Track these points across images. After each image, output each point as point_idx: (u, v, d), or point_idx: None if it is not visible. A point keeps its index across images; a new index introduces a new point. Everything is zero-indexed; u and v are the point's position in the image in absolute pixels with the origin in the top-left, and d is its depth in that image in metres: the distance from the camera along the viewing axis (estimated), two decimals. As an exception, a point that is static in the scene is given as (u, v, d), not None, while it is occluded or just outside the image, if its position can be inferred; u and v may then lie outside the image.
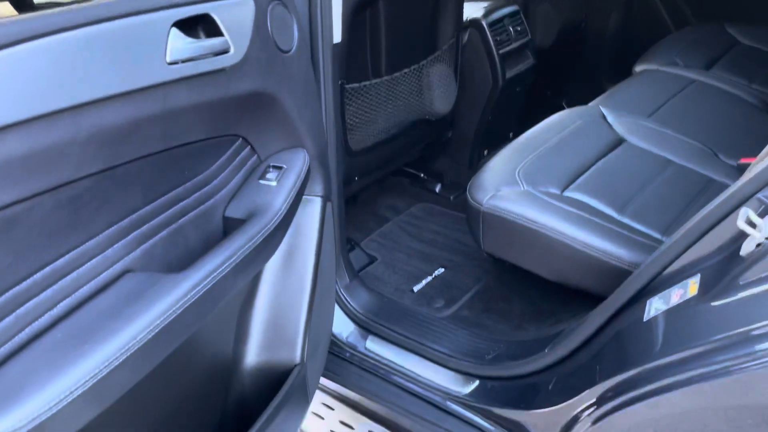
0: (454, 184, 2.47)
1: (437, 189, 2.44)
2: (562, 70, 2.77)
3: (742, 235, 0.94)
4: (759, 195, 0.94)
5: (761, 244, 0.90)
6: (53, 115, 0.80)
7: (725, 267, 0.97)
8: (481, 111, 2.36)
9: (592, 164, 1.71)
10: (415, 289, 1.90)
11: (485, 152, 2.56)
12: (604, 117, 1.91)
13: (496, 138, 2.50)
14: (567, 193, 1.60)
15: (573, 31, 2.76)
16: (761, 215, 0.92)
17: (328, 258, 1.47)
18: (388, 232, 2.19)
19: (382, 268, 1.99)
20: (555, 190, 1.61)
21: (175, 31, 0.96)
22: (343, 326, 1.65)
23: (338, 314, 1.64)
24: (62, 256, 0.90)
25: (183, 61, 0.96)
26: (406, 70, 2.05)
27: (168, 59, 0.94)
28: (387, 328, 1.60)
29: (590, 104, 2.04)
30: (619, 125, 1.88)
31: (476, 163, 2.54)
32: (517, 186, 1.60)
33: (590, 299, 1.39)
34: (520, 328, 1.70)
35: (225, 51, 1.05)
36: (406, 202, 2.41)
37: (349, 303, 1.64)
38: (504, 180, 1.62)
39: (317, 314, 1.40)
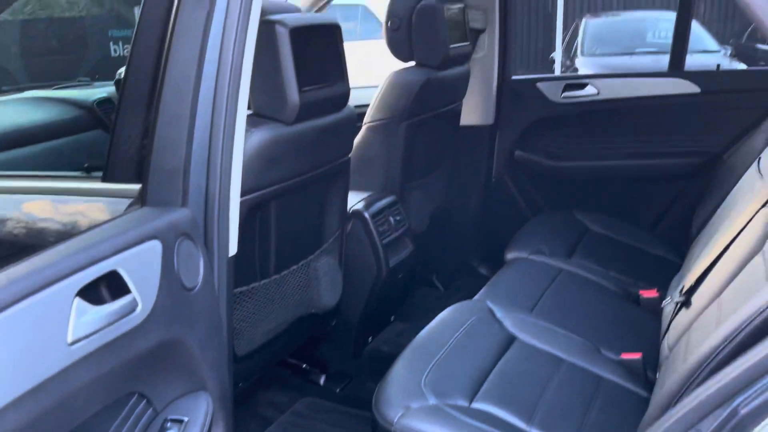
0: (340, 374, 2.37)
1: (321, 381, 2.33)
2: (435, 253, 2.86)
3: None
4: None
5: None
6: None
7: None
8: (366, 299, 2.33)
9: (492, 368, 1.71)
10: None
11: (369, 339, 2.51)
12: (493, 313, 1.96)
13: (379, 324, 2.46)
14: (475, 405, 1.57)
15: (442, 215, 2.90)
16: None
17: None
18: (272, 438, 2.00)
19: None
20: (463, 402, 1.57)
21: (78, 302, 0.82)
22: None
23: None
24: None
25: (87, 337, 0.82)
26: (294, 267, 1.99)
27: (70, 339, 0.80)
28: None
29: (476, 298, 2.08)
30: (508, 321, 1.92)
31: (361, 350, 2.48)
32: (425, 400, 1.55)
33: None
34: None
35: (132, 310, 0.92)
36: (289, 397, 2.25)
37: None
38: (411, 393, 1.56)
39: None
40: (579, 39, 9.17)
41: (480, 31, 2.87)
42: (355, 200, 2.34)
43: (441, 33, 2.43)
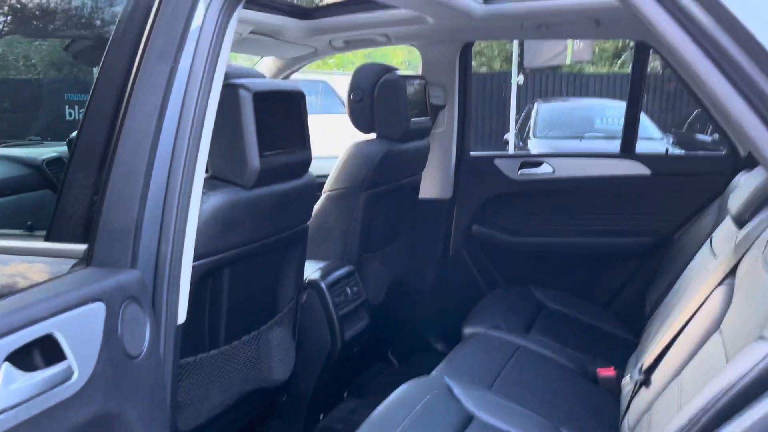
0: (288, 454, 2.24)
1: (269, 460, 2.19)
2: (391, 327, 2.81)
3: None
4: None
5: None
6: None
7: None
8: (318, 374, 2.24)
9: (449, 449, 1.63)
10: None
11: (321, 416, 2.40)
12: (451, 390, 1.89)
13: (331, 400, 2.36)
14: (432, 488, 1.48)
15: (399, 288, 2.86)
16: None
17: None
18: None
19: None
20: (420, 486, 1.48)
21: (7, 367, 0.74)
22: None
23: None
24: None
25: (14, 407, 0.74)
26: (245, 338, 1.90)
27: (-5, 410, 0.71)
28: None
29: (434, 374, 2.02)
30: (466, 398, 1.86)
31: (312, 427, 2.36)
32: (380, 483, 1.46)
33: None
34: None
35: (67, 378, 0.84)
36: (234, 478, 2.10)
37: None
38: (364, 475, 1.47)
39: None
40: (531, 122, 9.53)
41: (440, 107, 2.93)
42: (311, 269, 2.29)
43: (402, 106, 2.47)
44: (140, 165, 1.13)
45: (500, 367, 2.12)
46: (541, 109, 9.69)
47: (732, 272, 1.57)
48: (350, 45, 2.93)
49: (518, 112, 9.90)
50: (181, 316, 1.37)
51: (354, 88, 2.53)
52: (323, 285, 2.23)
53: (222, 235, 1.61)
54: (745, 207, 1.70)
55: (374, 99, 2.50)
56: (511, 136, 9.77)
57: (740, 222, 1.71)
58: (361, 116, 2.54)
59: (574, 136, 8.96)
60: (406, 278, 2.97)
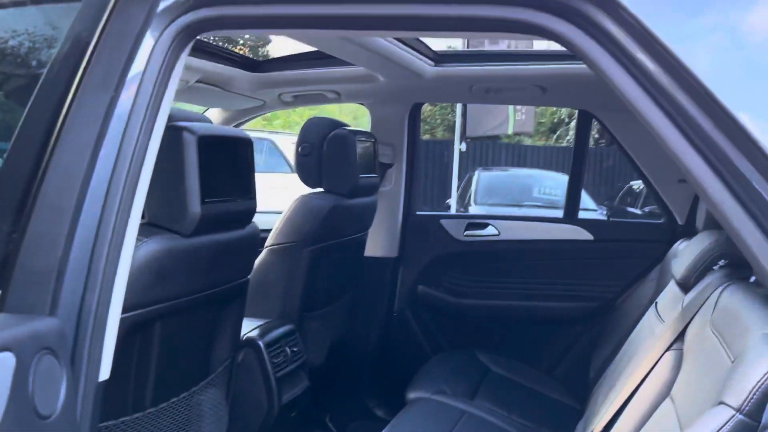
0: None
1: None
2: (330, 391, 2.68)
3: None
4: None
5: None
6: None
7: None
8: (253, 440, 2.09)
9: None
10: None
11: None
12: (395, 459, 1.79)
13: (265, 470, 2.19)
14: None
15: (340, 349, 2.75)
16: None
17: None
18: None
19: None
20: None
21: None
22: None
23: None
24: None
25: None
26: (174, 400, 1.75)
27: None
28: None
29: (377, 441, 1.92)
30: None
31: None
32: None
33: None
34: None
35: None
36: None
37: None
38: None
39: None
40: (472, 189, 9.72)
41: (388, 166, 2.92)
42: (248, 327, 2.16)
43: (352, 161, 2.43)
44: (68, 202, 1.03)
45: (446, 435, 2.03)
46: (481, 177, 9.91)
47: (680, 337, 1.56)
48: (300, 100, 2.91)
49: (460, 178, 10.10)
50: (104, 373, 1.24)
51: (302, 141, 2.48)
52: (261, 344, 2.10)
53: (155, 285, 1.50)
54: (689, 272, 1.71)
55: (323, 153, 2.46)
56: (453, 202, 9.92)
57: (685, 287, 1.72)
58: (308, 170, 2.49)
59: (513, 204, 9.16)
60: (347, 339, 2.87)
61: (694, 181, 0.96)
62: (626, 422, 1.57)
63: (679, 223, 2.64)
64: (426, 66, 2.38)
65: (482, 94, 2.58)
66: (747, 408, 0.99)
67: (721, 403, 1.04)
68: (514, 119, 7.96)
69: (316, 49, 2.38)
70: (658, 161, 2.64)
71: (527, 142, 15.62)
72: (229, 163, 1.69)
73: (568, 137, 15.83)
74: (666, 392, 1.50)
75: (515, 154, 13.73)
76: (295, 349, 2.25)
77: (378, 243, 2.96)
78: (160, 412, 1.70)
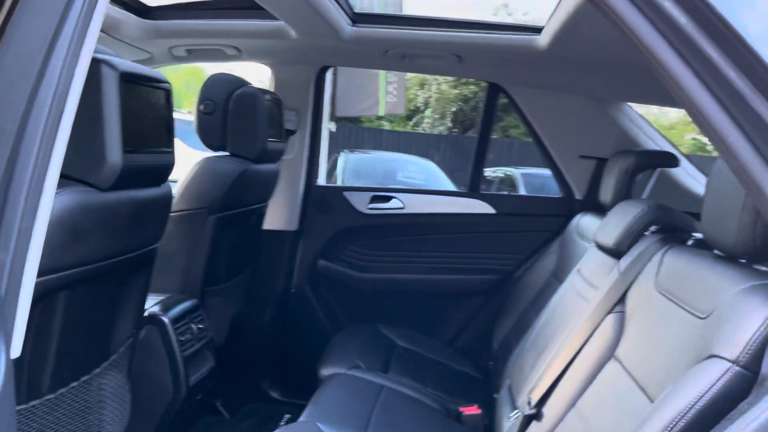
0: None
1: None
2: (223, 370, 2.48)
3: None
4: None
5: None
6: None
7: None
8: (156, 427, 1.86)
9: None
10: None
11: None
12: (326, 436, 1.67)
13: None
14: None
15: (238, 327, 2.56)
16: None
17: None
18: None
19: None
20: None
21: None
22: None
23: None
24: None
25: None
26: (74, 384, 1.49)
27: None
28: None
29: (303, 419, 1.78)
30: (344, 446, 1.65)
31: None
32: None
33: None
34: None
35: None
36: None
37: None
38: None
39: None
40: (339, 171, 9.67)
41: (291, 132, 2.75)
42: (149, 303, 1.92)
43: (261, 123, 2.24)
44: None
45: (370, 409, 1.94)
46: (348, 160, 9.89)
47: (621, 300, 1.59)
48: (194, 55, 2.64)
49: (327, 160, 10.01)
50: (16, 349, 1.01)
51: (205, 98, 2.25)
52: (166, 320, 1.88)
53: (68, 245, 1.25)
54: (622, 238, 1.75)
55: (228, 112, 2.24)
56: (321, 183, 9.81)
57: (617, 253, 1.76)
58: (210, 131, 2.26)
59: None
60: (244, 317, 2.67)
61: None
62: (569, 384, 1.58)
63: (577, 197, 2.74)
64: (345, 24, 2.25)
65: (397, 60, 2.49)
66: (744, 359, 1.00)
67: (713, 356, 1.05)
68: (385, 101, 7.97)
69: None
70: (561, 138, 2.72)
71: (386, 126, 15.85)
72: (152, 108, 1.46)
73: (423, 124, 16.30)
74: (609, 354, 1.53)
75: (376, 138, 13.88)
76: (201, 326, 2.05)
77: (277, 215, 2.78)
78: (59, 399, 1.44)
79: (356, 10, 2.30)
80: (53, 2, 0.94)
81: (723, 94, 0.92)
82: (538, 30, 2.16)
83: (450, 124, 16.29)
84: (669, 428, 1.02)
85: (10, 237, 0.94)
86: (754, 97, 0.89)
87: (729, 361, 1.01)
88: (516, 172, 9.87)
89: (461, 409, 2.14)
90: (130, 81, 1.34)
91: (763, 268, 1.19)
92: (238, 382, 2.74)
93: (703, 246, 1.46)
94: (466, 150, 13.80)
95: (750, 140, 0.90)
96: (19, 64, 0.94)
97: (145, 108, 1.43)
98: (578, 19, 1.78)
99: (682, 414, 1.02)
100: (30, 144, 0.95)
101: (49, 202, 0.98)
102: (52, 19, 0.97)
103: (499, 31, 2.24)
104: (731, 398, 0.98)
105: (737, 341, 1.02)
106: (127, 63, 1.36)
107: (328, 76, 3.08)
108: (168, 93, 1.53)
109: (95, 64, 1.27)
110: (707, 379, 1.02)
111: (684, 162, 2.56)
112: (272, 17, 2.23)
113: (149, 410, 1.84)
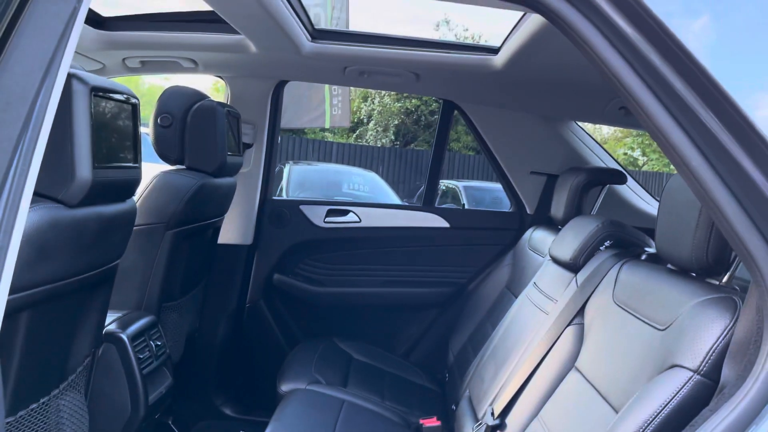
0: None
1: None
2: (176, 387, 2.43)
3: None
4: None
5: None
6: None
7: None
8: (112, 450, 1.81)
9: None
10: None
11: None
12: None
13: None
14: None
15: (191, 344, 2.52)
16: None
17: None
18: None
19: None
20: None
21: None
22: None
23: None
24: None
25: None
26: (33, 406, 1.45)
27: None
28: None
29: (268, 436, 1.77)
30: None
31: None
32: None
33: None
34: None
35: None
36: None
37: None
38: None
39: None
40: (284, 182, 9.60)
41: (247, 146, 2.73)
42: (106, 320, 1.87)
43: (220, 136, 2.23)
44: None
45: (333, 424, 1.95)
46: (293, 171, 9.84)
47: (579, 312, 1.66)
48: (148, 67, 2.60)
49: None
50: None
51: (162, 111, 2.22)
52: (125, 337, 1.83)
53: (36, 263, 1.22)
54: (578, 253, 1.83)
55: (186, 125, 2.22)
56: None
57: (573, 267, 1.83)
58: (168, 144, 2.23)
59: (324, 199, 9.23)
60: (198, 333, 2.63)
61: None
62: (532, 395, 1.64)
63: (528, 212, 2.83)
64: (304, 40, 2.26)
65: (355, 76, 2.52)
66: (705, 368, 1.07)
67: (676, 365, 1.11)
68: (330, 113, 7.99)
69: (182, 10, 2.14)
70: (513, 154, 2.81)
71: (330, 138, 15.85)
72: (121, 122, 1.44)
73: (366, 137, 16.40)
74: (570, 365, 1.59)
75: (321, 149, 13.86)
76: (158, 343, 2.01)
77: (232, 229, 2.76)
78: (18, 422, 1.39)
79: (316, 26, 2.32)
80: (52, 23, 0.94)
81: (685, 120, 0.99)
82: (495, 50, 2.23)
83: (392, 137, 16.46)
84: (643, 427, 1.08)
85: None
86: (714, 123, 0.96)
87: (691, 370, 1.08)
88: (459, 184, 10.03)
89: (421, 421, 2.17)
90: (99, 96, 1.32)
91: (715, 282, 1.27)
92: (190, 399, 2.68)
93: (656, 260, 1.54)
94: (410, 162, 13.99)
95: (703, 155, 0.98)
96: (17, 84, 0.94)
97: (114, 123, 1.41)
98: (535, 42, 1.86)
99: (648, 422, 1.08)
100: (8, 162, 0.94)
101: (23, 220, 0.96)
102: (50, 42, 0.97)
103: (457, 50, 2.31)
104: (694, 405, 1.05)
105: (698, 351, 1.09)
106: (96, 77, 1.34)
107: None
108: (135, 108, 1.51)
109: (66, 78, 1.25)
110: (671, 388, 1.09)
111: (629, 179, 2.68)
112: (231, 31, 2.23)
113: (107, 431, 1.79)
